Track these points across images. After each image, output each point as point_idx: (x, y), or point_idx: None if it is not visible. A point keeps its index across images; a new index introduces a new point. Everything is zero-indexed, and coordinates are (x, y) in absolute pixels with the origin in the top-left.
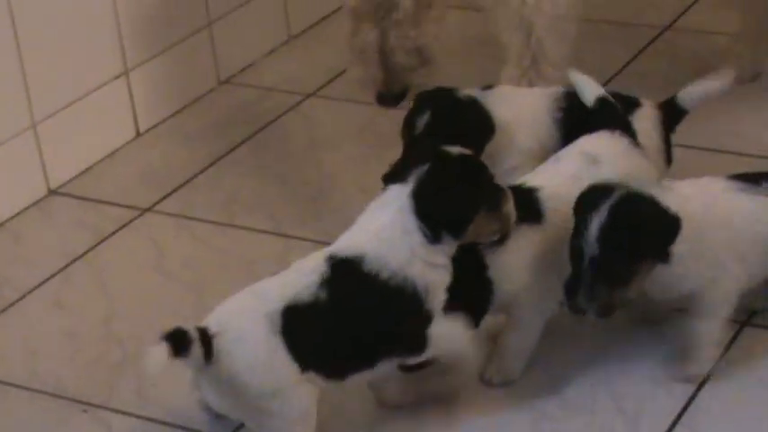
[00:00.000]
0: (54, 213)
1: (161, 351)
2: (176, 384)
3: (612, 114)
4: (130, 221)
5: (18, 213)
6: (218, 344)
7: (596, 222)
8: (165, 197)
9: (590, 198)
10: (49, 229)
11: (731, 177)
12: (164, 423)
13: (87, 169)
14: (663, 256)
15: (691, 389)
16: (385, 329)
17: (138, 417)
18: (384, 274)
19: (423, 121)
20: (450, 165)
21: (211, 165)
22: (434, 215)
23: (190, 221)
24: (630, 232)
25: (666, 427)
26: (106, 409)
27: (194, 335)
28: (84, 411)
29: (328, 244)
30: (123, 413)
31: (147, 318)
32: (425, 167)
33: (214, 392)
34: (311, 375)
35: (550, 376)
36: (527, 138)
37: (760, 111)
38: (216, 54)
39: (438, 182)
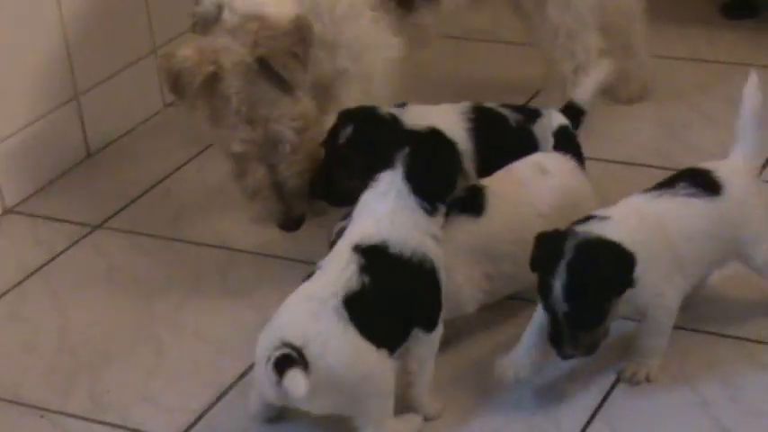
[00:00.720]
0: (9, 231)
1: (298, 376)
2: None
3: (569, 140)
4: (82, 238)
5: None
6: (308, 354)
7: (558, 282)
8: (114, 214)
9: (545, 255)
10: (5, 246)
11: (646, 190)
12: (117, 426)
13: (41, 189)
14: (628, 286)
15: (606, 385)
16: (416, 303)
17: (92, 421)
18: (407, 254)
19: (345, 134)
20: (426, 142)
21: (158, 183)
22: (430, 189)
23: (138, 237)
24: (593, 283)
25: (585, 420)
26: (62, 414)
27: (297, 357)
28: (42, 416)
29: (270, 256)
30: (78, 417)
31: (99, 328)
32: (407, 150)
33: (311, 396)
34: (383, 352)
35: (475, 374)
36: None
37: (662, 125)
38: (161, 79)
39: (423, 159)
